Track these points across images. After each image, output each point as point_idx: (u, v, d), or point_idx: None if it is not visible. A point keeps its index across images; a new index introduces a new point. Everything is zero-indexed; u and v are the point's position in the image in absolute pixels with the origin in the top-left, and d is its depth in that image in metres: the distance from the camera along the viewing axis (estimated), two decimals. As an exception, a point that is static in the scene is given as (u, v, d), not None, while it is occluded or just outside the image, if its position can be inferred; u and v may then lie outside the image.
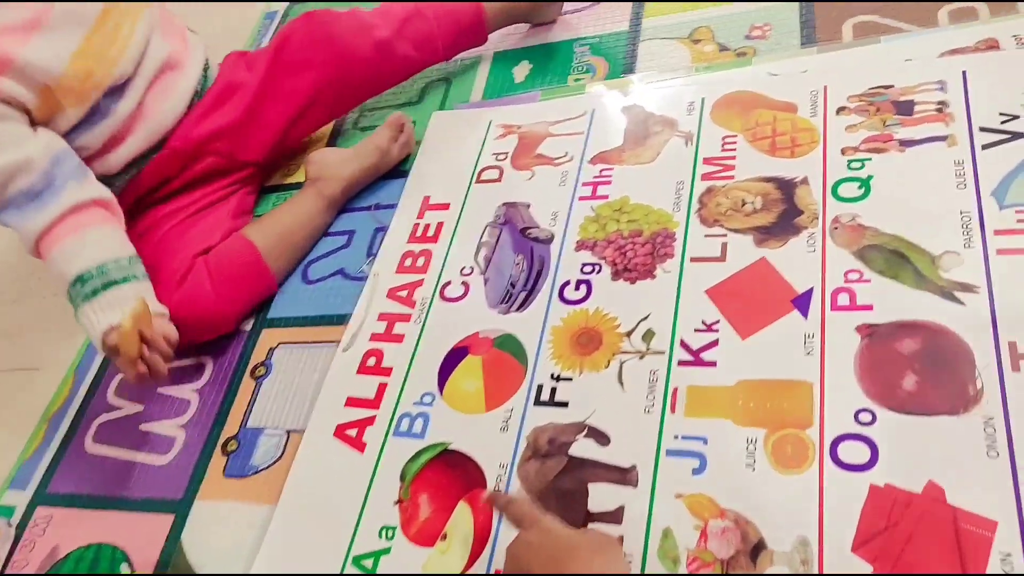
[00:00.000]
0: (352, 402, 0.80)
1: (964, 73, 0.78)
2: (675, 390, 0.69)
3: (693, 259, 0.76)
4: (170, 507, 0.80)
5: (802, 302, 0.70)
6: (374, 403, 0.79)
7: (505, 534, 0.66)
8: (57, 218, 0.79)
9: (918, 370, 0.64)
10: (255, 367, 0.88)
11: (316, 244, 0.96)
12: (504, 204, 0.89)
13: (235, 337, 0.92)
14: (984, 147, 0.73)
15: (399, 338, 0.83)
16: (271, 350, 0.89)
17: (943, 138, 0.75)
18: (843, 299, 0.69)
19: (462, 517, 0.69)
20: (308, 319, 0.90)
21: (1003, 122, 0.73)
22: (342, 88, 0.99)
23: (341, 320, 0.87)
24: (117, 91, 0.86)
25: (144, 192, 0.93)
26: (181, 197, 0.94)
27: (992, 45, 0.79)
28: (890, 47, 0.84)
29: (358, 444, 0.77)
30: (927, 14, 0.86)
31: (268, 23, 1.33)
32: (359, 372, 0.82)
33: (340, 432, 0.78)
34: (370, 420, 0.78)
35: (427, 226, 0.91)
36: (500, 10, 1.03)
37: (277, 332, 0.90)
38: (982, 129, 0.74)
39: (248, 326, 0.92)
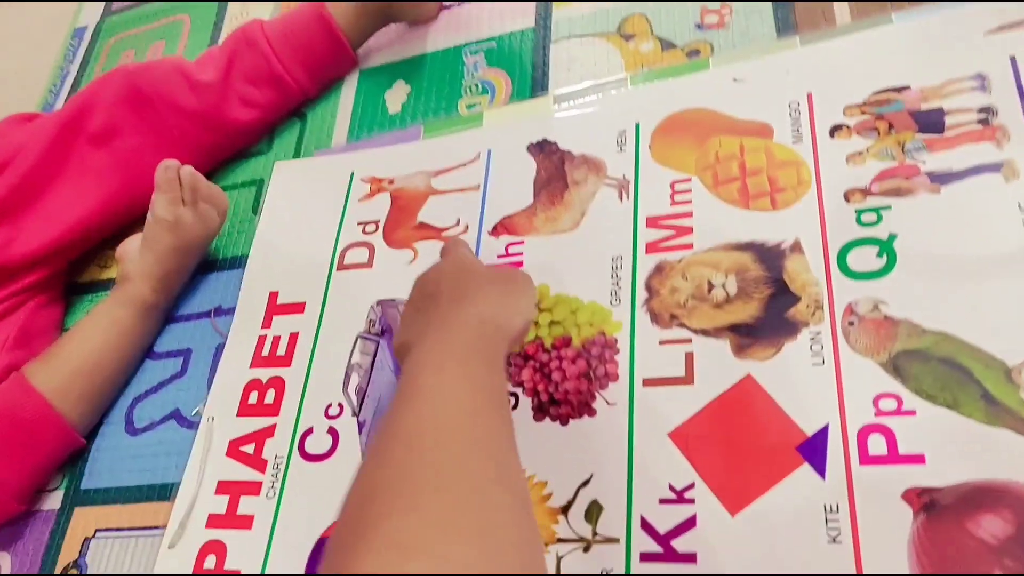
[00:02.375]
0: (189, 627, 0.56)
1: (1013, 60, 0.53)
2: (639, 605, 0.46)
3: (647, 381, 0.52)
4: None
5: (814, 450, 0.46)
6: (219, 628, 0.55)
7: None
8: None
9: (1011, 567, 0.40)
10: (65, 569, 0.63)
11: (136, 370, 0.70)
12: (379, 302, 0.63)
13: (37, 520, 0.67)
14: (1062, 180, 0.48)
15: (247, 522, 0.58)
16: (86, 541, 0.64)
17: (996, 167, 0.50)
18: (877, 445, 0.45)
19: None
20: (133, 491, 0.64)
21: (1085, 137, 0.49)
22: (162, 155, 0.73)
23: (175, 491, 0.62)
24: None
25: None
26: None
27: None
28: (907, 28, 0.57)
29: None
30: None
31: (76, 43, 1.03)
32: (194, 579, 0.57)
33: (174, 678, 0.54)
34: (215, 655, 0.54)
35: (276, 339, 0.65)
36: (351, 10, 0.76)
37: (93, 512, 0.65)
38: (1054, 149, 0.49)
39: (56, 502, 0.67)
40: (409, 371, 0.40)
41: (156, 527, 0.62)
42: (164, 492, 0.63)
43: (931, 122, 0.53)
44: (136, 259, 0.69)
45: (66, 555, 0.64)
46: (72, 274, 0.79)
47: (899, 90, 0.55)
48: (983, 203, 0.49)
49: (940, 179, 0.51)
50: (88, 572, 0.62)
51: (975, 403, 0.44)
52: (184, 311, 0.72)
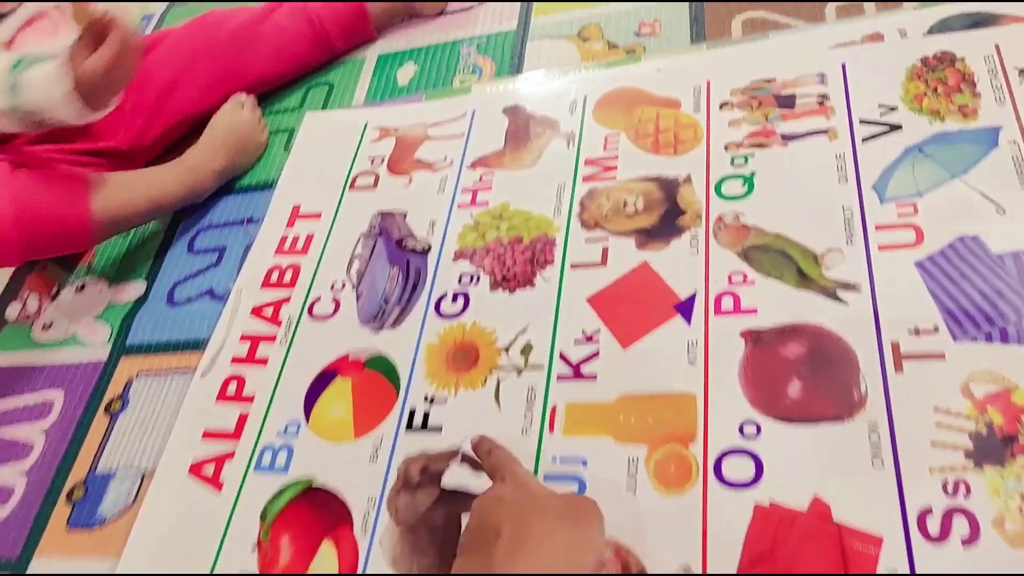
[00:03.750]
0: (210, 435, 0.72)
1: (844, 65, 0.75)
2: (554, 408, 0.64)
3: (574, 265, 0.71)
4: (4, 567, 0.71)
5: (685, 308, 0.66)
6: (234, 435, 0.71)
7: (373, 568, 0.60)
8: None
9: (803, 376, 0.60)
10: (110, 402, 0.80)
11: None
12: (380, 213, 0.83)
13: (87, 368, 0.83)
14: (864, 140, 0.70)
15: (263, 361, 0.76)
16: (129, 381, 0.81)
17: (824, 131, 0.72)
18: (727, 303, 0.65)
19: (326, 558, 0.63)
20: (171, 345, 0.82)
21: (882, 114, 0.71)
22: (212, 60, 0.94)
23: (206, 343, 0.80)
24: None
25: None
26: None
27: (877, 39, 0.77)
28: (777, 43, 0.81)
29: (215, 482, 0.69)
30: (815, 11, 0.83)
31: (144, 24, 1.24)
32: (218, 400, 0.74)
33: (196, 470, 0.70)
34: (229, 455, 0.70)
35: (296, 238, 0.84)
36: (382, 6, 0.99)
37: (137, 360, 0.82)
38: (862, 121, 0.71)
39: (104, 354, 0.84)
40: None
41: (185, 369, 0.79)
42: (194, 345, 0.80)
43: (787, 102, 0.75)
44: (199, 155, 0.89)
45: (111, 392, 0.81)
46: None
47: (768, 81, 0.77)
48: (813, 153, 0.71)
49: (788, 138, 0.73)
50: (129, 402, 0.79)
51: (793, 277, 0.64)
52: (223, 219, 0.91)
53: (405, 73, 0.98)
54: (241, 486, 0.68)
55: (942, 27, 0.75)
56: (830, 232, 0.65)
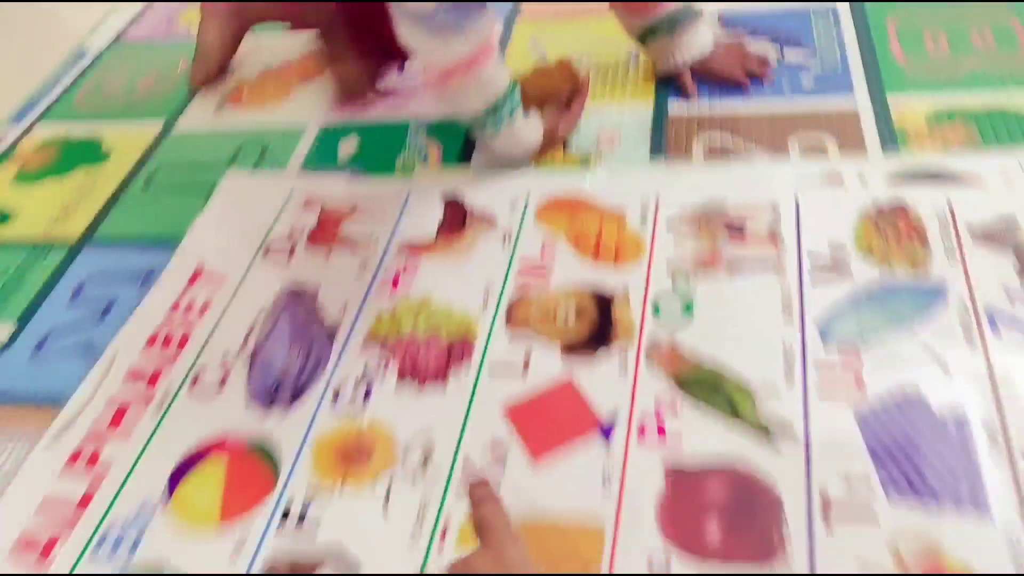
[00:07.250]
0: (47, 507, 0.62)
1: (797, 199, 0.74)
2: (445, 525, 0.56)
3: (492, 370, 0.65)
4: None
5: (606, 430, 0.60)
6: (76, 512, 0.61)
7: None
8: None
9: (722, 523, 0.53)
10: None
11: None
12: (289, 286, 0.76)
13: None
14: (812, 277, 0.67)
15: (126, 432, 0.66)
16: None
17: (771, 263, 0.69)
18: (651, 432, 0.59)
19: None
20: (24, 396, 0.71)
21: (832, 252, 0.68)
22: None
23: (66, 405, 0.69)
24: None
25: None
26: None
27: (835, 180, 0.75)
28: (738, 169, 0.79)
29: (43, 560, 0.59)
30: (778, 138, 0.81)
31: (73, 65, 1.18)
32: (64, 471, 0.64)
33: (20, 547, 0.60)
34: (65, 534, 0.60)
35: (192, 302, 0.76)
36: None
37: (-21, 411, 0.71)
38: (811, 259, 0.68)
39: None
40: None
41: (42, 428, 0.68)
42: (54, 401, 0.70)
43: (736, 228, 0.72)
44: None
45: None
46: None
47: (720, 203, 0.75)
48: (759, 284, 0.67)
49: (734, 265, 0.69)
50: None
51: (725, 411, 0.59)
52: (119, 267, 0.82)
53: (347, 146, 0.93)
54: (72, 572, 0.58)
55: (903, 176, 0.74)
56: (768, 367, 0.61)
